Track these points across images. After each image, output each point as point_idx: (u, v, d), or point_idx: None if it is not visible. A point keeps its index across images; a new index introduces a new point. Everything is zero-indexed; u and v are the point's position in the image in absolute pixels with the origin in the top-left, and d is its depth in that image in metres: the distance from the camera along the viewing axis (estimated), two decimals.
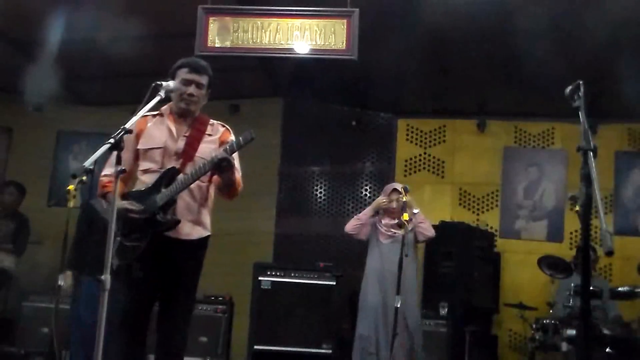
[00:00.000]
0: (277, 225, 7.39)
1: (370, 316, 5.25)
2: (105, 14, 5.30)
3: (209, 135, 3.52)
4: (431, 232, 5.44)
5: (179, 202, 3.37)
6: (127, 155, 3.31)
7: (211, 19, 5.03)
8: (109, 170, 3.41)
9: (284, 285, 6.10)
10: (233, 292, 6.43)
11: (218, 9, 5.09)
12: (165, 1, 5.43)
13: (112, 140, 2.77)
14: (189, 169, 3.38)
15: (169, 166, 3.41)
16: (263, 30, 5.01)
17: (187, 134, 3.48)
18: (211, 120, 3.60)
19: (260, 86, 7.22)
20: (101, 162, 2.76)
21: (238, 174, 3.51)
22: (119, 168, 2.80)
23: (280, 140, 7.54)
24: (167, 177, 3.36)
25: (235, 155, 3.46)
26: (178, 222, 3.34)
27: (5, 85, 6.98)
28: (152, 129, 3.50)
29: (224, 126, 3.60)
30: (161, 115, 3.54)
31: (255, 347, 5.99)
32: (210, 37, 5.02)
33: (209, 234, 3.54)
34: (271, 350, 5.97)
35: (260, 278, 6.11)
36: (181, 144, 3.46)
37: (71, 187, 3.75)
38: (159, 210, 3.31)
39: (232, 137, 3.54)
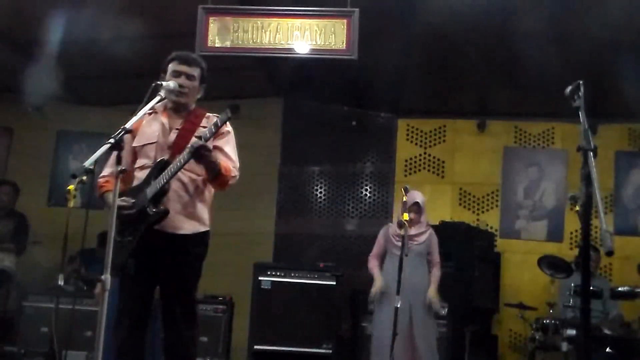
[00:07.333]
0: (277, 225, 7.39)
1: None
2: (105, 14, 5.30)
3: (204, 127, 3.39)
4: (439, 273, 5.33)
5: (171, 194, 3.32)
6: (125, 155, 3.25)
7: (211, 19, 5.03)
8: (106, 171, 3.45)
9: (284, 285, 6.11)
10: (233, 292, 6.42)
11: (218, 9, 5.09)
12: (165, 1, 5.44)
13: (112, 140, 2.76)
14: None
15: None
16: (263, 30, 5.01)
17: (179, 127, 3.45)
18: (208, 113, 3.53)
19: (260, 86, 7.21)
20: (101, 162, 2.76)
21: (228, 162, 3.42)
22: (119, 168, 2.80)
23: (280, 140, 7.54)
24: (157, 169, 3.32)
25: (232, 144, 3.48)
26: (167, 212, 3.27)
27: (5, 85, 6.97)
28: (146, 126, 3.47)
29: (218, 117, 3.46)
30: (155, 112, 3.49)
31: (255, 347, 6.00)
32: (210, 37, 5.02)
33: (206, 229, 3.47)
34: (271, 350, 5.98)
35: (260, 278, 6.12)
36: (173, 136, 3.43)
37: (71, 187, 3.74)
38: (149, 202, 3.27)
39: (229, 129, 3.50)
